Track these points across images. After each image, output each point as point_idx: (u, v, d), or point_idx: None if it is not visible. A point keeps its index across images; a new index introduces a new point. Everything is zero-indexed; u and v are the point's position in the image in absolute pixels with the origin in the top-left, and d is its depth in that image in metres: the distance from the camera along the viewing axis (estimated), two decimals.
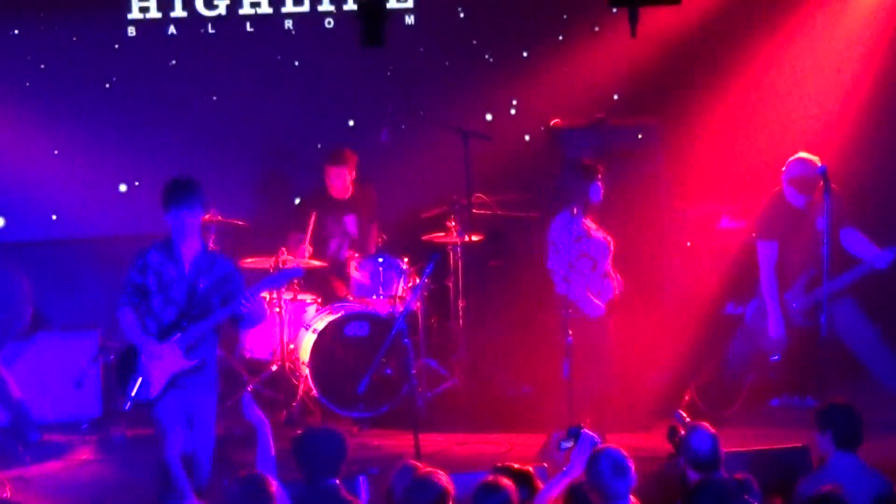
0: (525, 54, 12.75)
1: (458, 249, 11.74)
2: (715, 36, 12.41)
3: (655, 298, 11.67)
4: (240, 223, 11.55)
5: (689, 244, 12.05)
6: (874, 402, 10.11)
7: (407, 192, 12.49)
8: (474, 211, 11.73)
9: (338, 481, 7.43)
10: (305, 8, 12.44)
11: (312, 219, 11.58)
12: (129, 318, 8.85)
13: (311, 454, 7.46)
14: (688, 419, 8.06)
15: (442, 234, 11.75)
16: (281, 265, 11.02)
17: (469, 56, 12.73)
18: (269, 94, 12.51)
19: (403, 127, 12.32)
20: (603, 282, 10.06)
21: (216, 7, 12.33)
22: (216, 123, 12.46)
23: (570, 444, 7.60)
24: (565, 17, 12.73)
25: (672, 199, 12.11)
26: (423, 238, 11.80)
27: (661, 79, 12.49)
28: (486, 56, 12.77)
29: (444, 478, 6.98)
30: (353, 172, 11.88)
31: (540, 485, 7.44)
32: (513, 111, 12.78)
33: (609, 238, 10.10)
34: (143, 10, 12.24)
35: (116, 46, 12.28)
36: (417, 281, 11.15)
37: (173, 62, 12.39)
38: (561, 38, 12.68)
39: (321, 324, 11.24)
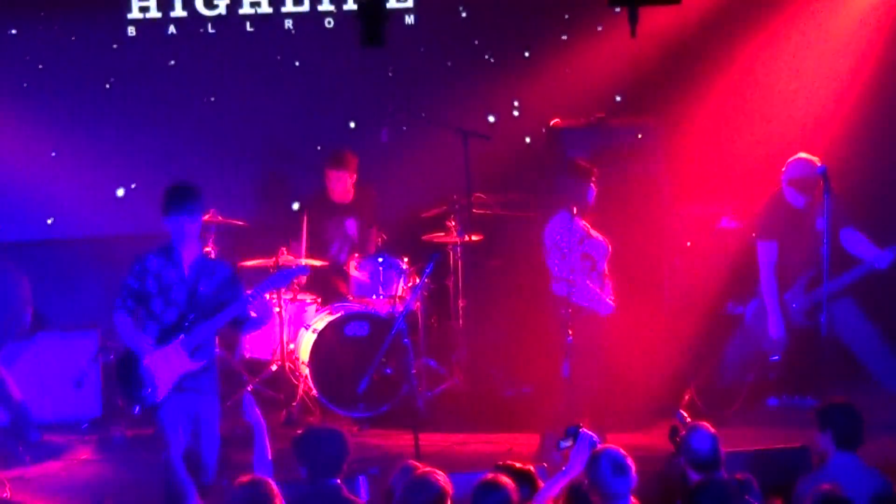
0: (526, 54, 12.75)
1: (458, 249, 11.73)
2: (715, 36, 12.40)
3: (655, 298, 11.64)
4: (239, 223, 11.55)
5: (689, 244, 12.03)
6: (874, 402, 10.08)
7: (407, 192, 12.48)
8: (474, 211, 11.72)
9: (339, 481, 7.42)
10: (305, 8, 12.44)
11: (304, 222, 11.55)
12: (125, 321, 8.84)
13: (314, 454, 7.44)
14: (689, 419, 8.06)
15: (442, 233, 11.74)
16: (282, 265, 11.01)
17: (470, 56, 12.72)
18: (269, 94, 12.50)
19: (404, 128, 12.32)
20: (603, 281, 10.04)
21: (216, 7, 12.33)
22: (216, 124, 12.46)
23: (568, 443, 7.59)
24: (567, 17, 12.71)
25: (672, 199, 12.09)
26: (423, 238, 11.80)
27: (662, 79, 12.48)
28: (487, 56, 12.76)
29: (442, 478, 6.97)
30: (355, 175, 11.85)
31: (541, 484, 7.44)
32: (515, 112, 12.77)
33: (606, 239, 10.08)
34: (143, 9, 12.24)
35: (116, 46, 12.28)
36: (417, 281, 11.15)
37: (173, 62, 12.39)
38: (563, 38, 12.67)
39: (321, 324, 11.23)
